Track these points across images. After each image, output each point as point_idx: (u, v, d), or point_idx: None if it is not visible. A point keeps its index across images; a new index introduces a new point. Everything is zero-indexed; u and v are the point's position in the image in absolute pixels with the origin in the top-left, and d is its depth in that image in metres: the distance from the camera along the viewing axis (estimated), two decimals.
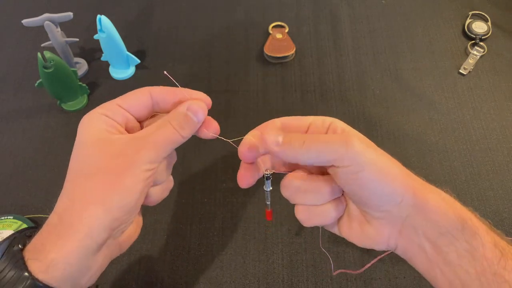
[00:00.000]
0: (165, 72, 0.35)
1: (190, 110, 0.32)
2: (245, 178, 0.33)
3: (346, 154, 0.28)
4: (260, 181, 0.34)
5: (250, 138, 0.32)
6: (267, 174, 0.33)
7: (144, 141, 0.30)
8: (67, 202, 0.29)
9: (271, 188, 0.34)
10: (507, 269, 0.27)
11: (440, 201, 0.29)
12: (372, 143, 0.31)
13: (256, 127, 0.33)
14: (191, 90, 0.34)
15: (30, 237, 0.29)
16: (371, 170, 0.28)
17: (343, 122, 0.32)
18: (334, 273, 0.48)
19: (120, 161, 0.29)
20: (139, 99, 0.33)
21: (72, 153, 0.30)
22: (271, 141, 0.29)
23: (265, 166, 0.34)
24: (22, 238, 0.29)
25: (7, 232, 0.50)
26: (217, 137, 0.34)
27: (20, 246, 0.28)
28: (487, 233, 0.28)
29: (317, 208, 0.32)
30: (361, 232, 0.32)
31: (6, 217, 0.52)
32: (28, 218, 0.52)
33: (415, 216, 0.29)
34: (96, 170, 0.29)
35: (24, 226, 0.51)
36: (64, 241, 0.27)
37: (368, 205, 0.31)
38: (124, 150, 0.29)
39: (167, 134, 0.31)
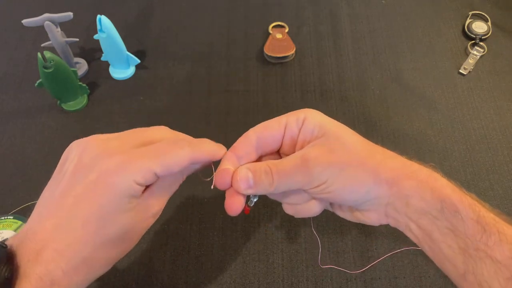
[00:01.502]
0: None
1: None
2: (233, 206, 0.33)
3: (308, 180, 0.31)
4: None
5: (228, 168, 0.32)
6: (253, 200, 0.35)
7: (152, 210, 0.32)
8: (65, 252, 0.28)
9: (257, 199, 0.35)
10: (489, 245, 0.28)
11: (415, 187, 0.30)
12: (344, 140, 0.32)
13: (231, 148, 0.34)
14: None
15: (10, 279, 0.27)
16: (337, 185, 0.30)
17: (317, 114, 0.33)
18: (323, 266, 0.49)
19: (132, 235, 0.31)
20: (176, 171, 0.31)
21: (93, 206, 0.29)
22: (243, 189, 0.32)
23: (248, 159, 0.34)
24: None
25: (7, 232, 0.50)
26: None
27: None
28: (470, 209, 0.29)
29: (302, 205, 0.34)
30: (352, 216, 0.35)
31: (6, 217, 0.52)
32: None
33: (395, 202, 0.31)
34: (114, 239, 0.30)
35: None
36: None
37: (347, 204, 0.34)
38: (137, 219, 0.31)
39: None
